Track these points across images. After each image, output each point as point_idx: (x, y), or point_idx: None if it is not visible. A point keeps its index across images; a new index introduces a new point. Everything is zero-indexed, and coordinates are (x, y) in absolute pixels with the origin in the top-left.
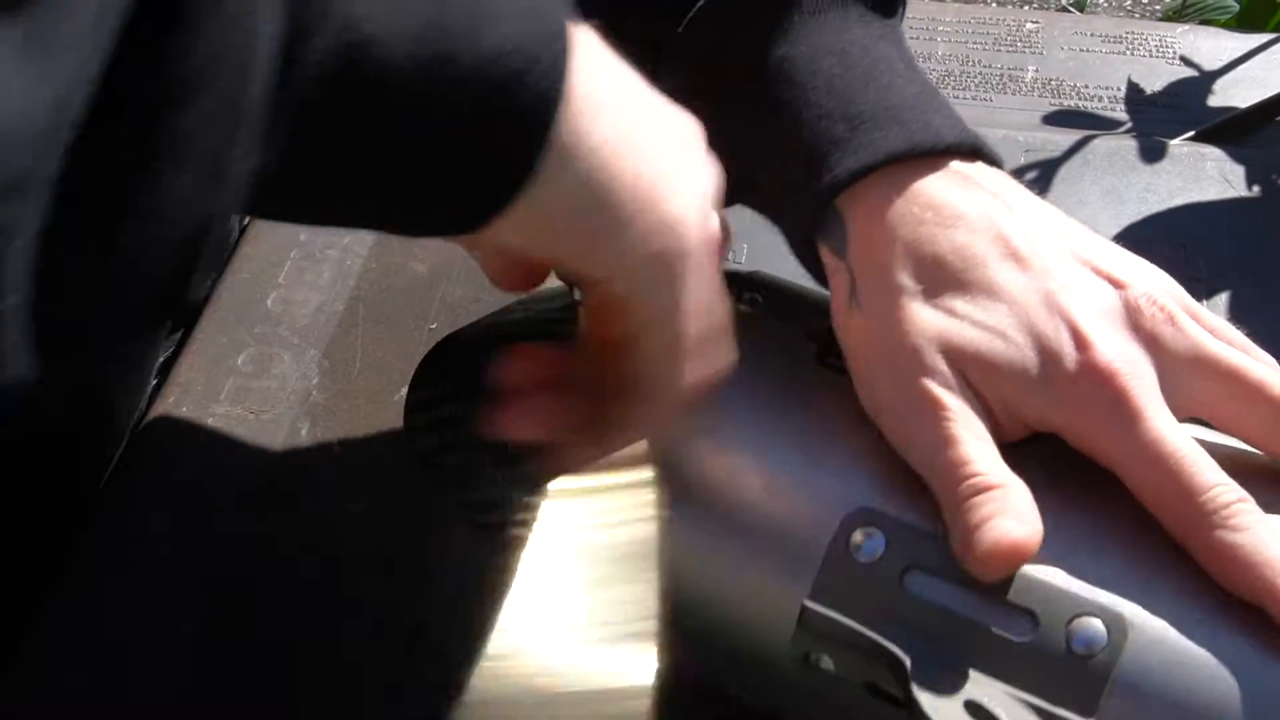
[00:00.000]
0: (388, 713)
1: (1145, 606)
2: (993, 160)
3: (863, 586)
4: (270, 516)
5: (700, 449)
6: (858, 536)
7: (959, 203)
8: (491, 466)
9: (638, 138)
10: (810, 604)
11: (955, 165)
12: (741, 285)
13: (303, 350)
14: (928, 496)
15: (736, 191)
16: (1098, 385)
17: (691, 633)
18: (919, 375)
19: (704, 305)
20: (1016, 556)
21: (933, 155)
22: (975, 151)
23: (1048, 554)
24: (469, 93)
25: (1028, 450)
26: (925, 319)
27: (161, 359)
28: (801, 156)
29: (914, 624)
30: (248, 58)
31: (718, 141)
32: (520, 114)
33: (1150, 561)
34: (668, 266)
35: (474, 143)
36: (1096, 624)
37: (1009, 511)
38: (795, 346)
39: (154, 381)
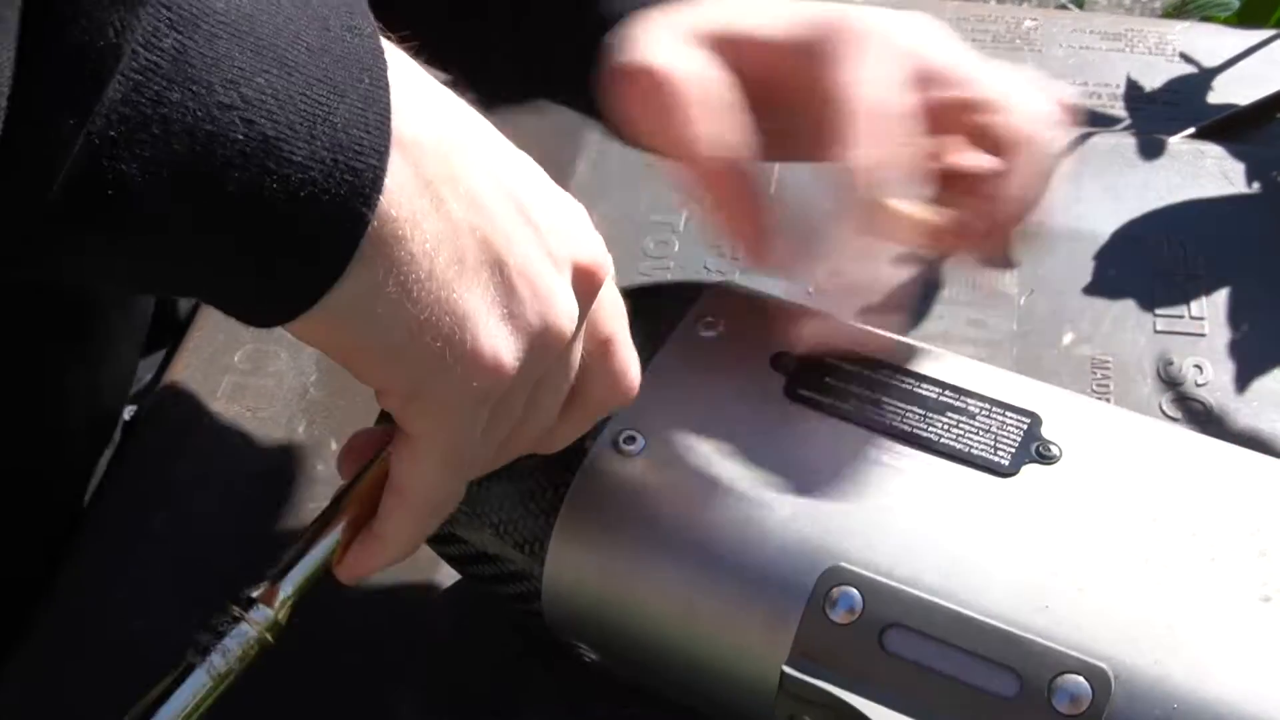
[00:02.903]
0: (387, 713)
1: (1130, 651)
2: None
3: (842, 646)
4: (268, 514)
5: (673, 504)
6: (834, 595)
7: None
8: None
9: (448, 285)
10: (789, 669)
11: None
12: (706, 305)
13: (300, 348)
14: (905, 547)
15: (524, 86)
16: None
17: (680, 693)
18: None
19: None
20: None
21: None
22: None
23: (1030, 600)
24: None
25: (1013, 485)
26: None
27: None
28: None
29: (895, 683)
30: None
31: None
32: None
33: (1135, 600)
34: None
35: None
36: (1080, 681)
37: None
38: (762, 379)
39: (150, 379)
